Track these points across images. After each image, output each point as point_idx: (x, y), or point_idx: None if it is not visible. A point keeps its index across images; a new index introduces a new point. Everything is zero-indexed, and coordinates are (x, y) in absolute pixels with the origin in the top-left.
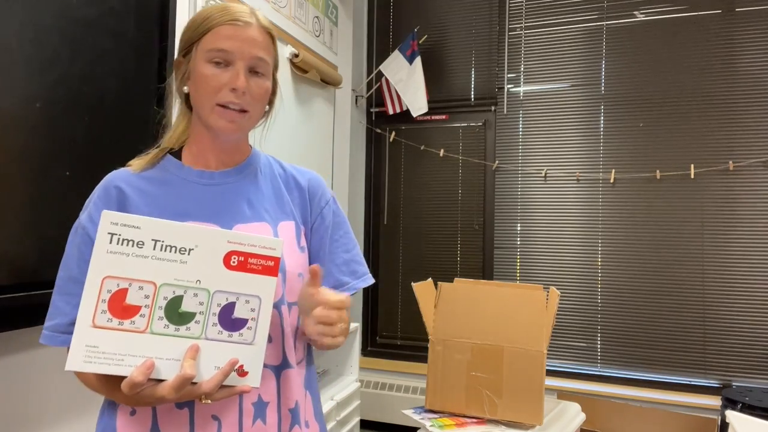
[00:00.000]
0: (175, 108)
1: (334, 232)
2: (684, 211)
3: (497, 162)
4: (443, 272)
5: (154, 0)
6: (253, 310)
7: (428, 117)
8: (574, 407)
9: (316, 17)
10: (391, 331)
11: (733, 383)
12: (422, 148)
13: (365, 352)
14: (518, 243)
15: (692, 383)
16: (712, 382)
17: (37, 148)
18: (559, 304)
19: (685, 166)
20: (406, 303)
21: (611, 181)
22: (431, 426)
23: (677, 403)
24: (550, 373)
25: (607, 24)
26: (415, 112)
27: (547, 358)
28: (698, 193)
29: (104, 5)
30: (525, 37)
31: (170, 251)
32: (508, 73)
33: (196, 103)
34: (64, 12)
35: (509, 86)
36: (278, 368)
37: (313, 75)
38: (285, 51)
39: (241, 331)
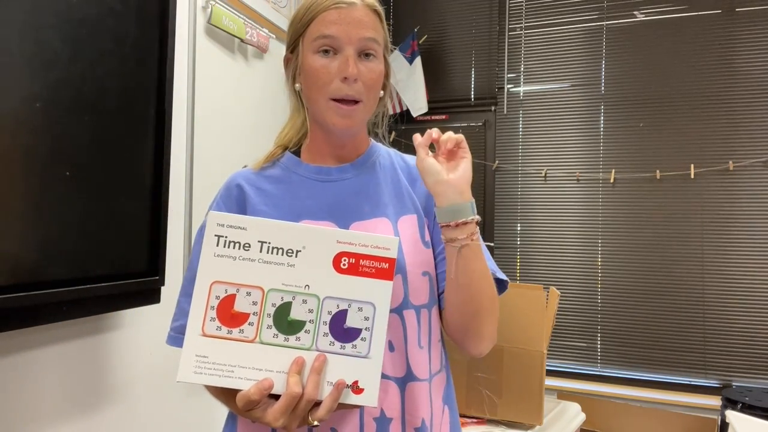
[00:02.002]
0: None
1: None
2: (684, 211)
3: (497, 162)
4: None
5: (153, 1)
6: (366, 318)
7: (428, 117)
8: (574, 407)
9: None
10: None
11: (733, 383)
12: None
13: None
14: (518, 243)
15: (692, 383)
16: (712, 382)
17: (37, 148)
18: (559, 304)
19: (685, 166)
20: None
21: (611, 181)
22: None
23: (677, 403)
24: (550, 373)
25: (607, 24)
26: (415, 112)
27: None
28: (698, 193)
29: (104, 5)
30: (525, 37)
31: (277, 253)
32: (508, 73)
33: (309, 99)
34: (64, 12)
35: (509, 86)
36: (402, 380)
37: None
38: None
39: (354, 342)
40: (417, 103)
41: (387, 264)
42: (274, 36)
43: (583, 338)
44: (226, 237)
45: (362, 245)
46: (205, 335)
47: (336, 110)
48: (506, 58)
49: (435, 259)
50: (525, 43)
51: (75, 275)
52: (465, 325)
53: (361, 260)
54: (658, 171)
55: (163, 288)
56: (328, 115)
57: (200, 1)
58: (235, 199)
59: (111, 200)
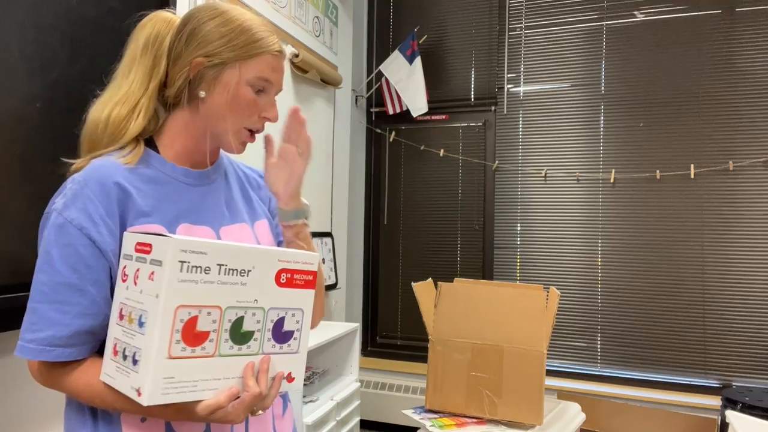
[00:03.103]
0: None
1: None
2: (684, 211)
3: (497, 162)
4: (443, 272)
5: (153, 1)
6: (297, 322)
7: (428, 117)
8: (574, 407)
9: (316, 17)
10: (391, 331)
11: (733, 383)
12: (422, 148)
13: (365, 352)
14: (518, 243)
15: (692, 383)
16: (712, 382)
17: (37, 148)
18: (559, 304)
19: (685, 166)
20: (406, 303)
21: (611, 181)
22: (431, 426)
23: (677, 403)
24: (550, 373)
25: (607, 24)
26: (415, 112)
27: (547, 358)
28: (698, 193)
29: (104, 5)
30: (525, 37)
31: (232, 274)
32: (508, 73)
33: (217, 115)
34: (64, 12)
35: (509, 86)
36: None
37: (313, 75)
38: (285, 51)
39: (289, 342)
40: (417, 103)
41: (311, 276)
42: None
43: (583, 338)
44: (189, 263)
45: (295, 262)
46: (171, 357)
47: (245, 138)
48: (506, 58)
49: None
50: (525, 43)
51: None
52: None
53: (294, 275)
54: (658, 171)
55: None
56: (234, 138)
57: (200, 1)
58: (116, 198)
59: None
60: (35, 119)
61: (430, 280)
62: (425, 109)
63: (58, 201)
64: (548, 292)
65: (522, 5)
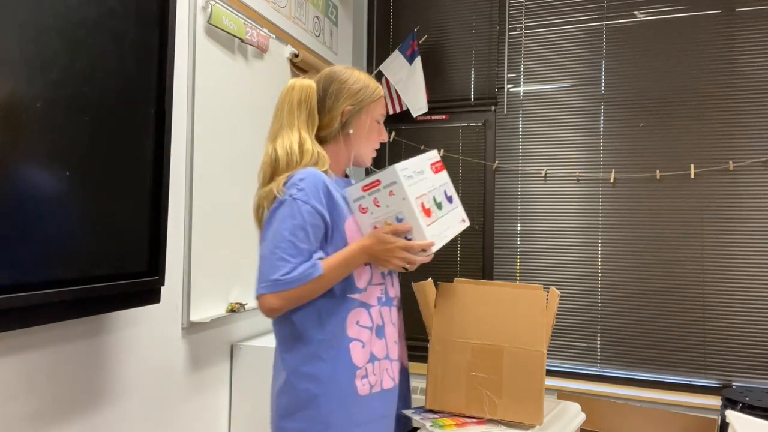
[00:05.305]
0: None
1: None
2: (684, 211)
3: (497, 162)
4: (443, 272)
5: (154, 1)
6: (449, 189)
7: (428, 117)
8: (574, 407)
9: (316, 17)
10: None
11: (733, 383)
12: (422, 148)
13: None
14: (518, 243)
15: (692, 383)
16: (712, 382)
17: (37, 148)
18: (559, 304)
19: (685, 166)
20: (406, 303)
21: (611, 181)
22: (431, 426)
23: (677, 403)
24: (550, 373)
25: (607, 24)
26: (415, 112)
27: (547, 358)
28: (698, 193)
29: (104, 5)
30: (525, 37)
31: (418, 175)
32: (508, 73)
33: (359, 142)
34: (65, 12)
35: (509, 86)
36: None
37: (313, 75)
38: (285, 51)
39: (452, 202)
40: (417, 103)
41: (440, 162)
42: (274, 36)
43: (583, 338)
44: (406, 174)
45: (433, 158)
46: (428, 226)
47: (373, 155)
48: (506, 58)
49: None
50: (525, 43)
51: (75, 275)
52: None
53: (436, 164)
54: (658, 171)
55: (163, 288)
56: (369, 156)
57: (200, 1)
58: (324, 192)
59: (111, 200)
60: (35, 119)
61: (430, 280)
62: (425, 109)
63: (292, 191)
64: (548, 292)
65: (522, 5)
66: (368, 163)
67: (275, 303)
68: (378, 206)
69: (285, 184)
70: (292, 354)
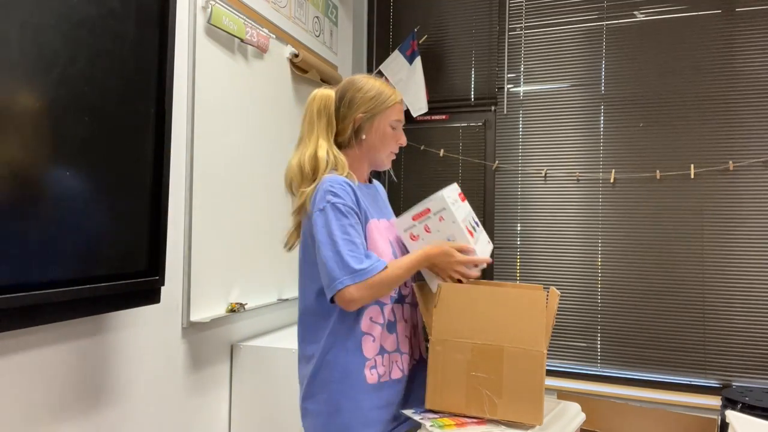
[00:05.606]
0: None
1: None
2: (684, 211)
3: (497, 162)
4: None
5: (154, 1)
6: (474, 216)
7: (428, 117)
8: (574, 407)
9: (316, 17)
10: None
11: (733, 383)
12: (422, 148)
13: None
14: (518, 243)
15: (692, 383)
16: (712, 382)
17: (37, 147)
18: (559, 304)
19: (685, 166)
20: None
21: (611, 181)
22: (431, 426)
23: (677, 403)
24: (550, 373)
25: (607, 24)
26: (415, 112)
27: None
28: (698, 193)
29: (104, 5)
30: (525, 37)
31: (457, 202)
32: (508, 73)
33: (374, 147)
34: (65, 12)
35: (509, 86)
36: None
37: (313, 75)
38: (285, 51)
39: (479, 225)
40: (417, 103)
41: (460, 193)
42: (274, 36)
43: (583, 338)
44: (451, 201)
45: (456, 189)
46: (475, 245)
47: (391, 159)
48: (506, 58)
49: None
50: (525, 43)
51: (75, 275)
52: None
53: (460, 195)
54: (658, 171)
55: (163, 288)
56: (386, 160)
57: (200, 1)
58: (353, 195)
59: (111, 200)
60: (35, 119)
61: None
62: (425, 109)
63: (328, 197)
64: (548, 292)
65: (522, 5)
66: (387, 166)
67: (356, 294)
68: (429, 232)
69: (316, 196)
70: (317, 344)
